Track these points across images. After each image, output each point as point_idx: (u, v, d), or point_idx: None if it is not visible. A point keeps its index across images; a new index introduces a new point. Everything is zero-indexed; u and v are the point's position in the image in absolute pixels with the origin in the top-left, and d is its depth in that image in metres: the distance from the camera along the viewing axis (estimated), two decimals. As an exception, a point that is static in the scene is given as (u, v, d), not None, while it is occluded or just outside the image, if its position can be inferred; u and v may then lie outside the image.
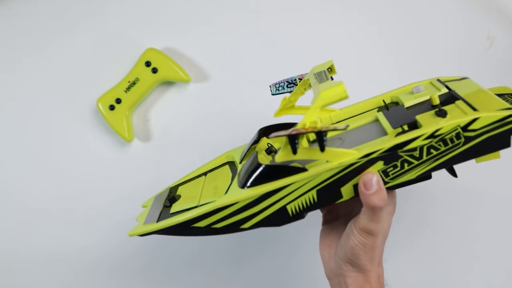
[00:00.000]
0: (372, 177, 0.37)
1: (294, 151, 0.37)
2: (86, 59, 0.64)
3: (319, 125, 0.37)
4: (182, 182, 0.51)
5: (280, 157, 0.39)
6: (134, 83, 0.61)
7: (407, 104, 0.43)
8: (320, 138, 0.36)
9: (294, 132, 0.35)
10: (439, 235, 0.63)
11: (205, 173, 0.50)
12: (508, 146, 0.37)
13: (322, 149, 0.36)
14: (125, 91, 0.61)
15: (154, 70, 0.61)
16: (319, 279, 0.46)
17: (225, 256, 0.64)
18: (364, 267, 0.40)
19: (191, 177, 0.51)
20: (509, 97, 0.43)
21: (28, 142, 0.63)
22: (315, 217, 0.47)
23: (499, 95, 0.42)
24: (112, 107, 0.61)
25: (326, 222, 0.48)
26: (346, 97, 0.35)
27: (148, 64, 0.61)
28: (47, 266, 0.64)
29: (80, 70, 0.64)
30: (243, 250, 0.64)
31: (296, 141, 0.36)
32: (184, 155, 0.63)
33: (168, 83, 0.64)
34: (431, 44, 0.65)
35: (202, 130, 0.64)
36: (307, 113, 0.37)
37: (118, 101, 0.61)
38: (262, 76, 0.64)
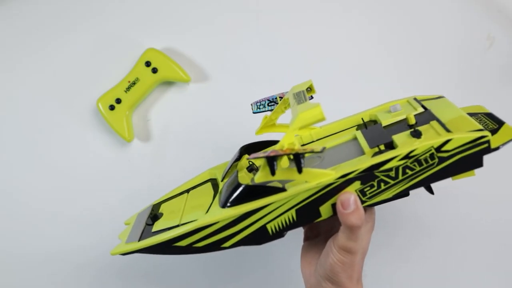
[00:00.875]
0: (350, 196, 0.38)
1: (273, 173, 0.38)
2: (86, 59, 0.64)
3: (296, 147, 0.37)
4: (165, 199, 0.51)
5: (259, 178, 0.39)
6: (134, 83, 0.61)
7: (385, 123, 0.44)
8: (298, 160, 0.37)
9: (272, 154, 0.36)
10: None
11: (187, 191, 0.50)
12: (481, 166, 0.38)
13: (300, 170, 0.37)
14: (125, 91, 0.61)
15: (154, 70, 0.61)
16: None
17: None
18: (343, 284, 0.40)
19: (174, 194, 0.51)
20: (483, 116, 0.44)
21: (28, 142, 0.63)
22: (297, 234, 0.46)
23: (473, 114, 0.44)
24: (112, 107, 0.61)
25: (307, 238, 0.48)
26: (323, 119, 0.36)
27: (148, 64, 0.61)
28: (47, 266, 0.64)
29: (80, 70, 0.64)
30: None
31: (274, 162, 0.38)
32: (184, 155, 0.63)
33: (168, 83, 0.64)
34: (431, 44, 0.65)
35: (202, 130, 0.64)
36: (285, 135, 0.38)
37: (118, 101, 0.61)
38: (262, 76, 0.64)
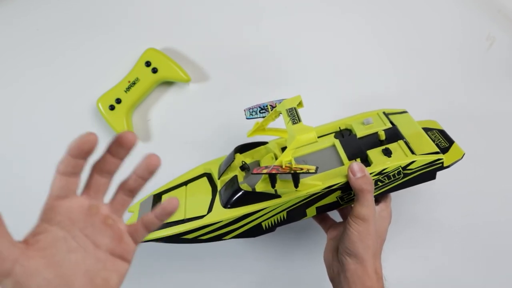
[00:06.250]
0: (357, 166, 0.45)
1: (273, 186, 0.46)
2: (86, 59, 0.64)
3: (294, 166, 0.43)
4: (165, 191, 0.55)
5: (260, 187, 0.47)
6: (134, 83, 0.61)
7: (359, 134, 0.52)
8: (295, 178, 0.45)
9: (273, 171, 0.43)
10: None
11: (185, 183, 0.55)
12: (434, 178, 0.49)
13: (296, 186, 0.45)
14: (125, 91, 0.61)
15: (154, 70, 0.61)
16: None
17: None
18: (360, 255, 0.44)
19: (172, 185, 0.55)
20: (437, 133, 0.53)
21: (28, 142, 0.63)
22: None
23: (428, 129, 0.53)
24: (112, 107, 0.61)
25: (331, 236, 0.52)
26: (315, 141, 0.43)
27: (148, 64, 0.61)
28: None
29: (80, 70, 0.64)
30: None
31: (275, 177, 0.45)
32: (184, 155, 0.63)
33: (168, 83, 0.64)
34: (431, 44, 0.65)
35: (202, 130, 0.64)
36: (284, 153, 0.43)
37: (118, 101, 0.61)
38: (262, 76, 0.64)
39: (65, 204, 0.33)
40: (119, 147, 0.34)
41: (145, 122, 0.64)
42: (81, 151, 0.32)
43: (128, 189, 0.36)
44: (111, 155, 0.34)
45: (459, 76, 0.64)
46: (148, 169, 0.36)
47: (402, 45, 0.65)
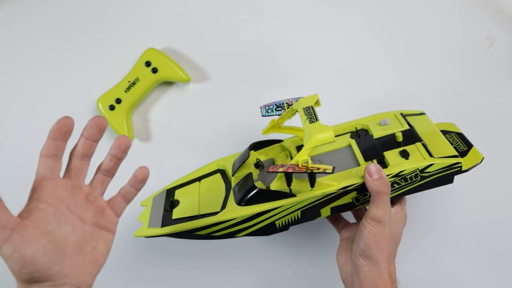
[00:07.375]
0: (375, 167, 0.45)
1: (289, 185, 0.45)
2: (86, 59, 0.64)
3: (310, 166, 0.42)
4: (178, 186, 0.55)
5: (276, 186, 0.47)
6: (134, 83, 0.61)
7: (376, 135, 0.51)
8: (312, 178, 0.44)
9: (289, 170, 0.42)
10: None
11: (198, 179, 0.55)
12: (451, 182, 0.48)
13: (313, 186, 0.45)
14: (125, 91, 0.61)
15: (154, 70, 0.61)
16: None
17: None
18: (375, 258, 0.44)
19: (186, 181, 0.55)
20: (455, 136, 0.52)
21: (28, 142, 0.63)
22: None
23: (446, 132, 0.52)
24: (112, 107, 0.61)
25: (344, 236, 0.52)
26: (333, 141, 0.42)
27: (148, 64, 0.61)
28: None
29: (80, 70, 0.64)
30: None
31: (291, 176, 0.45)
32: (184, 155, 0.63)
33: (168, 83, 0.64)
34: (432, 44, 0.65)
35: (202, 130, 0.64)
36: (300, 152, 0.43)
37: (118, 101, 0.61)
38: (262, 76, 0.64)
39: (50, 184, 0.37)
40: (92, 129, 0.39)
41: (145, 122, 0.64)
42: (60, 132, 0.37)
43: (105, 169, 0.41)
44: (86, 138, 0.39)
45: (459, 76, 0.64)
46: (120, 148, 0.40)
47: (403, 45, 0.65)
